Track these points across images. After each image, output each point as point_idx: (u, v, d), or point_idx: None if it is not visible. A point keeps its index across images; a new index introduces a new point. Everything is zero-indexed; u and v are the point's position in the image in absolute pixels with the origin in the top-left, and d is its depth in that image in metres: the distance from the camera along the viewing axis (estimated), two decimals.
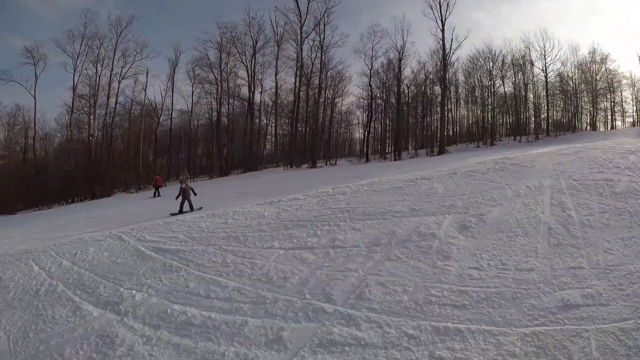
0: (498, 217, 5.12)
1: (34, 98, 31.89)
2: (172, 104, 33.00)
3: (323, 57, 29.35)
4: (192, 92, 32.80)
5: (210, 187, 19.90)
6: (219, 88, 31.20)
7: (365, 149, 30.26)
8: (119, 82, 31.60)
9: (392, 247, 4.61)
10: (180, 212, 10.48)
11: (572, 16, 46.96)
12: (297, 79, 29.46)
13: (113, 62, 31.19)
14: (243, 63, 31.35)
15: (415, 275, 3.91)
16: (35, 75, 31.67)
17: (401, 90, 28.87)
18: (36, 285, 5.12)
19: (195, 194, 11.21)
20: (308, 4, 28.99)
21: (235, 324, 3.48)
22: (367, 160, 28.48)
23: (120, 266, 5.36)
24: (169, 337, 3.42)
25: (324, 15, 28.86)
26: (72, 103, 31.17)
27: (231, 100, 32.37)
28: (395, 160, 26.50)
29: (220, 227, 6.54)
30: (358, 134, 34.90)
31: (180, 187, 11.14)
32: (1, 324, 4.21)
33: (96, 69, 31.18)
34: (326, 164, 29.13)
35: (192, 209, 10.71)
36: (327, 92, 30.42)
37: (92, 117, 31.05)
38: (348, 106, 32.71)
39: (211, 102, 32.50)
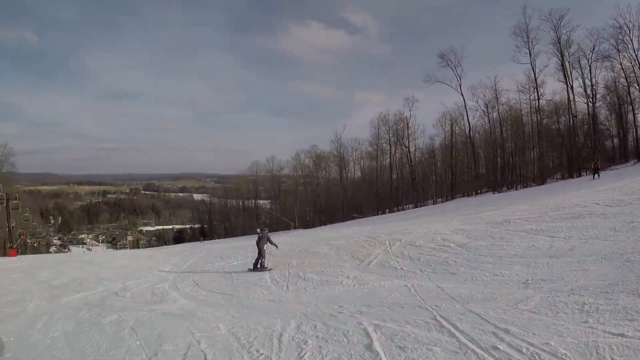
0: None
1: (462, 96, 39.75)
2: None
3: None
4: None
5: None
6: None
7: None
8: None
9: None
10: (255, 267, 9.24)
11: None
12: None
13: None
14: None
15: None
16: (457, 76, 39.41)
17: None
18: None
19: (276, 246, 9.41)
20: None
21: None
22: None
23: None
24: None
25: None
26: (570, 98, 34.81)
27: None
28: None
29: None
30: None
31: (258, 235, 9.54)
32: None
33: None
34: None
35: (261, 267, 9.05)
36: None
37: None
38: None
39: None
